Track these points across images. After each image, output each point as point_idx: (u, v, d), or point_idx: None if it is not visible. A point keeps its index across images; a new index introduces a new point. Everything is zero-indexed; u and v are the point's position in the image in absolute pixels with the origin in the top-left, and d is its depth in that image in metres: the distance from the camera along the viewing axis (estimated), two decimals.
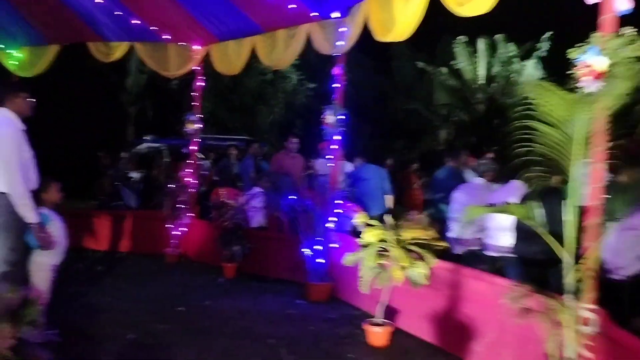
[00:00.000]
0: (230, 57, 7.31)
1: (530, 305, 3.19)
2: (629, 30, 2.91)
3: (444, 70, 17.86)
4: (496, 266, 4.80)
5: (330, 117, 6.02)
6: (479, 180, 5.38)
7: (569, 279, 3.09)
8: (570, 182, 3.09)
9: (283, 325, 4.88)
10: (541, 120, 3.09)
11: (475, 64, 17.84)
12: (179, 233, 7.67)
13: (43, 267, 4.20)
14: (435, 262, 4.29)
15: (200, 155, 8.82)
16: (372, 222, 4.43)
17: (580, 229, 3.11)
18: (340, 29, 5.85)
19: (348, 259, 4.55)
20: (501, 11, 4.15)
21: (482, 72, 17.78)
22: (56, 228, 4.20)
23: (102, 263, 7.16)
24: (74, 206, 8.62)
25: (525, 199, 3.97)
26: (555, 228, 3.21)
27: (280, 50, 6.66)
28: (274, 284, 6.37)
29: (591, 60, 2.99)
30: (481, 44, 17.53)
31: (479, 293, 4.12)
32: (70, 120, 13.41)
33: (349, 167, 7.43)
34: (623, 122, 3.16)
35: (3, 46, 8.08)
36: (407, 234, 4.33)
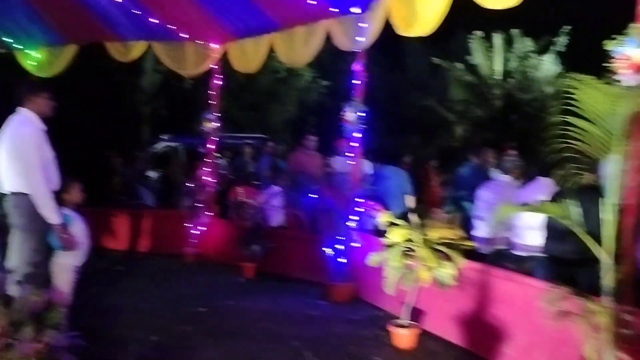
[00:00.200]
0: (248, 55, 7.25)
1: (567, 307, 3.08)
2: None
3: (460, 66, 17.68)
4: (524, 266, 4.68)
5: (350, 114, 5.92)
6: (505, 178, 5.26)
7: (607, 280, 2.98)
8: (608, 180, 2.97)
9: (306, 327, 4.81)
10: (578, 115, 2.98)
11: (491, 59, 17.63)
12: (198, 232, 7.63)
13: (65, 268, 4.17)
14: (464, 262, 4.19)
15: (217, 154, 8.78)
16: (398, 221, 4.32)
17: (619, 229, 3.00)
18: (360, 25, 5.74)
19: (373, 259, 4.45)
20: (517, 5, 4.03)
21: (498, 67, 17.56)
22: (78, 229, 4.16)
23: (122, 263, 7.15)
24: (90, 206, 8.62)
25: (557, 196, 3.85)
26: (592, 227, 3.10)
27: (298, 47, 6.59)
28: (294, 284, 6.30)
29: (630, 52, 2.88)
30: (497, 39, 17.30)
31: (510, 294, 4.01)
32: (85, 120, 13.43)
33: (368, 165, 7.32)
34: None
35: (22, 46, 8.09)
36: (434, 234, 4.22)
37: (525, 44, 17.35)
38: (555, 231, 4.20)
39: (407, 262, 4.23)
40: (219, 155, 9.29)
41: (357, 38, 5.80)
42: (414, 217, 4.34)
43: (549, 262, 4.49)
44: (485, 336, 4.16)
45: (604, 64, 2.98)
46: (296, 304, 5.51)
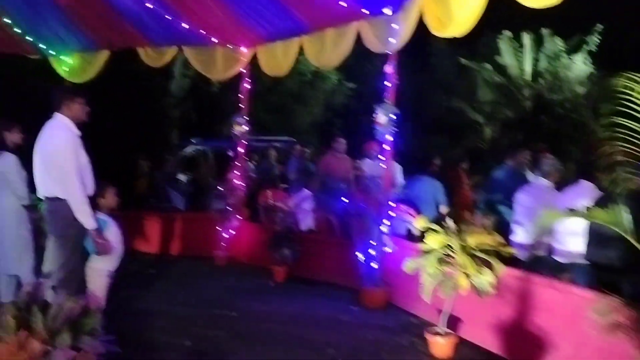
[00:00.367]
0: (278, 58, 7.21)
1: (617, 318, 2.94)
2: None
3: (488, 66, 17.41)
4: (563, 272, 4.53)
5: (382, 117, 5.82)
6: (544, 182, 5.09)
7: None
8: None
9: (339, 334, 4.73)
10: (630, 117, 2.84)
11: (520, 59, 17.31)
12: (228, 235, 7.63)
13: (100, 272, 4.18)
14: (503, 269, 4.06)
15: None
16: (434, 226, 4.21)
17: None
18: (392, 26, 5.65)
19: (409, 265, 4.35)
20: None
21: (528, 68, 17.23)
22: (113, 233, 4.17)
23: (154, 266, 7.19)
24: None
25: (602, 201, 3.70)
26: None
27: (328, 49, 6.52)
28: (325, 288, 6.23)
29: None
30: (527, 39, 16.98)
31: (553, 303, 3.87)
32: (116, 124, 13.60)
33: (399, 168, 7.22)
34: None
35: (55, 53, 8.21)
36: (472, 240, 4.10)
37: (555, 44, 16.98)
38: (598, 237, 4.06)
39: (444, 269, 4.12)
40: (246, 158, 9.32)
41: (389, 39, 5.70)
42: (450, 223, 4.23)
43: (591, 269, 4.35)
44: (526, 346, 4.03)
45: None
46: (328, 309, 5.43)
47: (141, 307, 5.34)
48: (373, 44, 5.99)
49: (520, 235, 5.04)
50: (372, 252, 5.60)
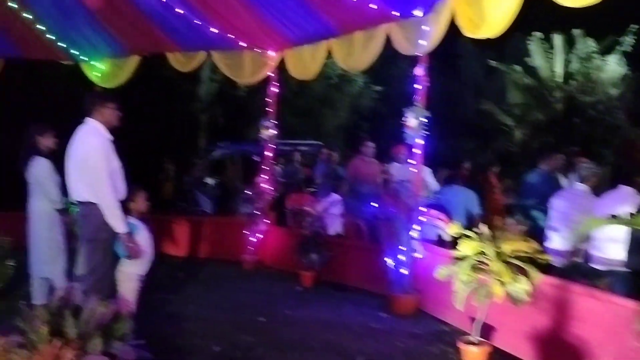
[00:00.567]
0: (306, 62, 7.18)
1: None
2: None
3: (518, 68, 17.12)
4: (601, 280, 4.37)
5: (412, 120, 5.74)
6: (581, 187, 4.93)
7: None
8: None
9: (369, 341, 4.65)
10: None
11: (551, 61, 16.97)
12: (256, 239, 7.62)
13: (130, 276, 4.19)
14: (540, 277, 3.93)
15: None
16: (468, 232, 4.11)
17: None
18: (423, 28, 5.56)
19: (441, 272, 4.25)
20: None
21: (559, 69, 16.88)
22: (143, 237, 4.18)
23: (182, 269, 7.22)
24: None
25: None
26: None
27: (357, 52, 6.46)
28: (353, 294, 6.15)
29: None
30: (557, 40, 16.64)
31: (593, 312, 3.73)
32: (145, 128, 13.79)
33: (429, 173, 7.11)
34: None
35: (87, 58, 8.35)
36: (507, 246, 3.99)
37: (587, 45, 16.61)
38: None
39: (478, 276, 4.01)
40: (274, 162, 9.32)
41: (419, 42, 5.61)
42: (484, 228, 4.12)
43: (631, 277, 4.19)
44: (563, 357, 3.90)
45: None
46: (357, 316, 5.36)
47: (170, 311, 5.35)
48: (403, 46, 5.90)
49: (556, 241, 4.90)
50: (401, 257, 5.51)
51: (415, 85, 5.86)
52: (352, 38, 6.47)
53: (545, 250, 4.75)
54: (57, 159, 4.49)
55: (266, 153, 7.98)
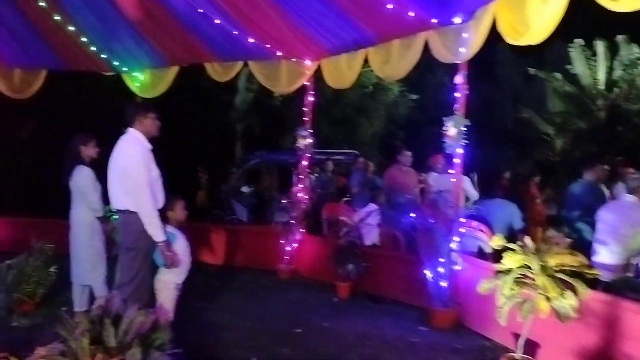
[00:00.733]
0: (342, 71, 7.14)
1: None
2: None
3: (558, 75, 16.71)
4: None
5: (451, 129, 5.62)
6: (630, 198, 4.73)
7: None
8: None
9: (409, 356, 4.55)
10: None
11: (593, 68, 16.51)
12: (291, 249, 7.60)
13: (168, 285, 4.21)
14: (588, 292, 3.77)
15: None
16: (512, 245, 3.98)
17: None
18: (462, 35, 5.46)
19: (483, 286, 4.12)
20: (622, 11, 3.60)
21: (601, 76, 16.40)
22: (181, 246, 4.20)
23: (219, 278, 7.24)
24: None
25: None
26: None
27: (395, 61, 6.37)
28: (390, 306, 6.05)
29: None
30: (600, 46, 16.18)
31: None
32: (183, 138, 14.02)
33: (469, 182, 6.95)
34: None
35: (127, 69, 8.52)
36: (553, 260, 3.84)
37: (632, 51, 16.09)
38: None
39: (521, 291, 3.87)
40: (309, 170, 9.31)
41: (459, 49, 5.51)
42: (529, 241, 3.98)
43: None
44: None
45: None
46: (395, 329, 5.25)
47: (207, 320, 5.36)
48: (442, 54, 5.80)
49: (604, 255, 4.70)
50: (441, 269, 5.39)
51: (455, 94, 5.75)
52: (389, 46, 6.40)
53: (592, 265, 4.58)
54: (100, 168, 4.56)
55: (302, 162, 7.97)
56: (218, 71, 7.94)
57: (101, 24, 7.22)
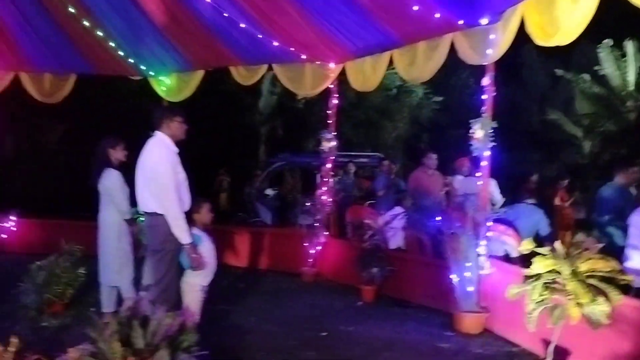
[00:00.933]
0: (367, 73, 7.12)
1: None
2: None
3: (586, 77, 16.39)
4: None
5: (479, 132, 5.55)
6: None
7: None
8: None
9: None
10: None
11: (623, 69, 16.14)
12: (315, 252, 7.59)
13: (194, 287, 4.24)
14: (620, 298, 3.67)
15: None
16: (542, 250, 3.90)
17: None
18: (490, 36, 5.39)
19: (512, 291, 4.05)
20: None
21: (631, 77, 16.03)
22: (207, 248, 4.22)
23: (243, 280, 7.27)
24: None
25: None
26: None
27: (420, 63, 6.32)
28: (415, 310, 5.98)
29: None
30: (630, 46, 15.82)
31: None
32: (207, 141, 14.16)
33: (495, 186, 6.85)
34: None
35: (154, 73, 8.64)
36: (584, 265, 3.75)
37: None
38: None
39: (551, 296, 3.80)
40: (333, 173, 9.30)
41: (486, 51, 5.44)
42: (559, 246, 3.90)
43: None
44: None
45: None
46: (421, 334, 5.19)
47: (232, 323, 5.37)
48: (468, 55, 5.73)
49: (637, 260, 4.58)
50: (467, 274, 5.31)
51: (482, 96, 5.68)
52: (415, 48, 6.34)
53: (624, 270, 4.46)
54: (128, 170, 4.62)
55: (326, 165, 7.96)
56: (243, 74, 7.99)
57: (129, 28, 7.34)
